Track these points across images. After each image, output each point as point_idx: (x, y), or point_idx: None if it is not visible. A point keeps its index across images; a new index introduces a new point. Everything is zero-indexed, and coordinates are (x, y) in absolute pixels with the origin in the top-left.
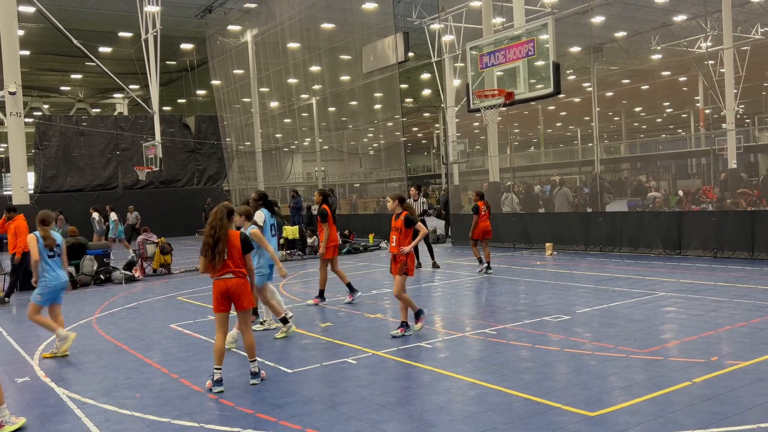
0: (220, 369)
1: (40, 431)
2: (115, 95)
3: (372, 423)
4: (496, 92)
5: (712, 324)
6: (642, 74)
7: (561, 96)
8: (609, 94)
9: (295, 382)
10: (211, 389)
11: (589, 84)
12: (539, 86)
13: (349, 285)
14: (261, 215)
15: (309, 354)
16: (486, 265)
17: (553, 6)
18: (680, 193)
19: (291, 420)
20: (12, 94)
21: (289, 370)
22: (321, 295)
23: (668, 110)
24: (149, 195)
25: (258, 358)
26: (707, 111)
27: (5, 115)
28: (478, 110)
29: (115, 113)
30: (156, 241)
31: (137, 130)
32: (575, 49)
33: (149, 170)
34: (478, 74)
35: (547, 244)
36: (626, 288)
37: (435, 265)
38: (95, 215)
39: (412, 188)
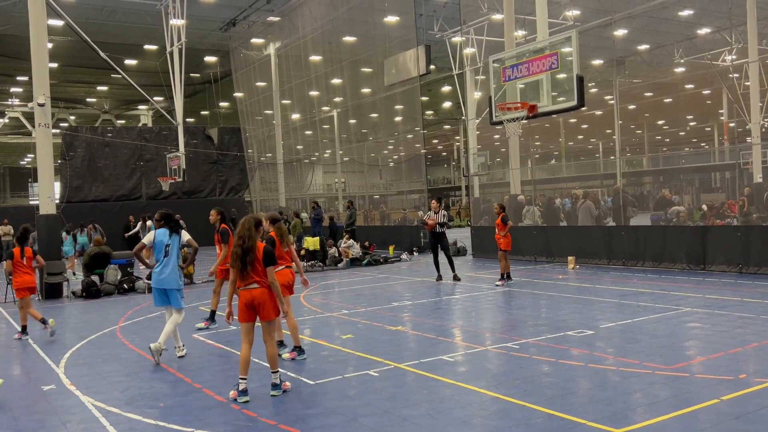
0: (245, 379)
1: None
2: (140, 107)
3: None
4: (519, 105)
5: (739, 341)
6: (665, 87)
7: (583, 109)
8: (631, 107)
9: (317, 394)
10: (235, 399)
11: (611, 97)
12: (562, 99)
13: (212, 312)
14: (151, 235)
15: (330, 366)
16: (506, 276)
17: (576, 19)
18: (704, 207)
19: None
20: (41, 105)
21: (311, 382)
22: (212, 317)
23: (691, 123)
24: (172, 205)
25: (280, 369)
26: (731, 124)
27: (34, 126)
28: (500, 123)
29: (140, 124)
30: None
31: (161, 141)
32: (597, 62)
33: (173, 181)
34: (500, 87)
35: (570, 258)
36: (650, 303)
37: (456, 278)
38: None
39: (433, 200)
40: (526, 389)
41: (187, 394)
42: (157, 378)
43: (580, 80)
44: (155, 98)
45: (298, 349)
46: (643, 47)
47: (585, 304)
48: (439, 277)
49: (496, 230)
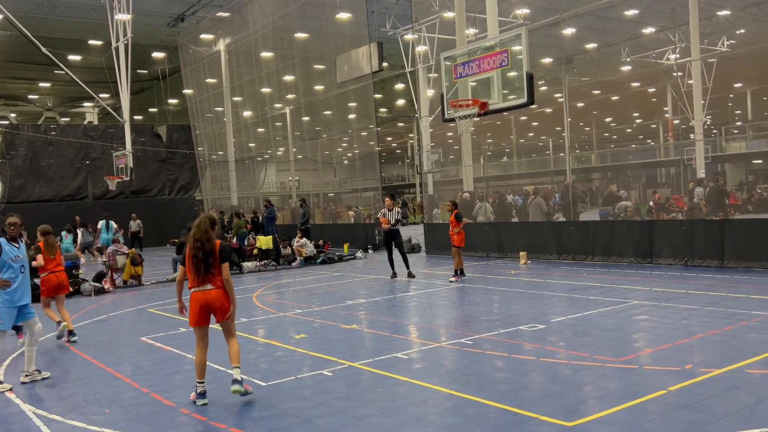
0: (202, 383)
1: None
2: (85, 104)
3: None
4: (470, 102)
5: (685, 332)
6: (612, 85)
7: (533, 106)
8: (580, 104)
9: (269, 395)
10: (194, 402)
11: (560, 95)
12: (513, 96)
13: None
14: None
15: (283, 366)
16: (460, 272)
17: (525, 17)
18: (651, 204)
19: None
20: None
21: (264, 383)
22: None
23: (638, 120)
24: (120, 205)
25: (230, 371)
26: (676, 121)
27: None
28: (452, 120)
29: (85, 122)
30: (126, 252)
31: (107, 140)
32: (547, 60)
33: (120, 180)
34: (452, 84)
35: (521, 253)
36: (600, 296)
37: (410, 275)
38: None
39: (387, 198)
40: (479, 385)
41: (134, 399)
42: (102, 383)
43: (530, 78)
44: (101, 95)
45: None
46: (590, 46)
47: (536, 298)
48: (394, 275)
49: (450, 227)
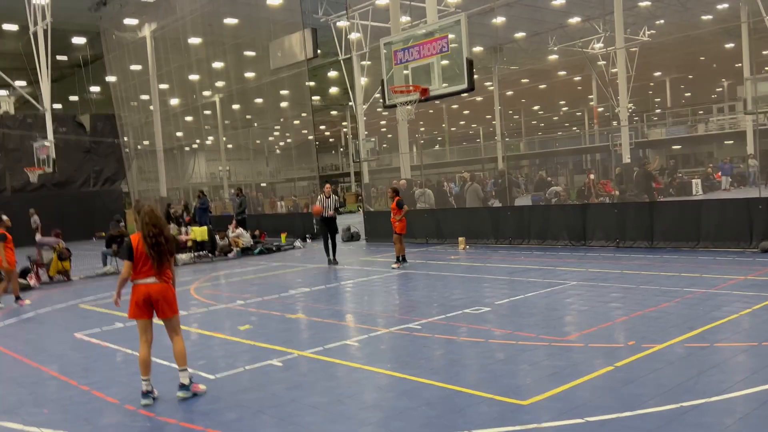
0: (147, 379)
1: None
2: (0, 92)
3: (305, 425)
4: (411, 88)
5: (624, 310)
6: (540, 74)
7: (464, 95)
8: (509, 93)
9: (219, 388)
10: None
11: (491, 83)
12: (451, 83)
13: None
14: None
15: (231, 358)
16: (402, 259)
17: (458, 6)
18: (585, 183)
19: (219, 427)
20: None
21: (212, 376)
22: None
23: (564, 108)
24: (42, 198)
25: (173, 365)
26: (600, 109)
27: None
28: (393, 106)
29: (1, 111)
30: (53, 246)
31: (26, 129)
32: (478, 48)
33: (41, 171)
34: (390, 70)
35: (460, 239)
36: (539, 279)
37: (334, 262)
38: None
39: (327, 185)
40: (432, 368)
41: (73, 397)
42: (37, 383)
43: (470, 63)
44: (18, 83)
45: None
46: (520, 35)
47: (478, 282)
48: (332, 261)
49: (391, 214)
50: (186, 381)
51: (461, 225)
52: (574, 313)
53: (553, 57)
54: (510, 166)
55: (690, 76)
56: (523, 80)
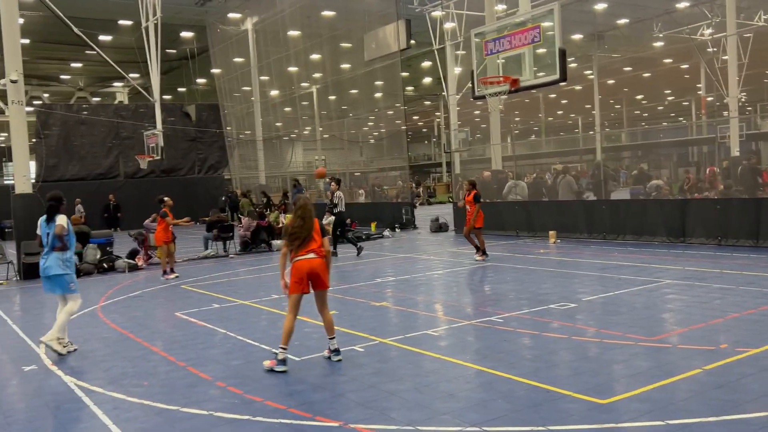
0: (285, 349)
1: (50, 420)
2: (116, 84)
3: (381, 410)
4: (501, 79)
5: (720, 312)
6: (644, 62)
7: (562, 84)
8: (610, 81)
9: (303, 370)
10: (272, 369)
11: (590, 72)
12: (544, 73)
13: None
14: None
15: (314, 342)
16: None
17: None
18: (689, 176)
19: (301, 408)
20: (14, 82)
21: (297, 358)
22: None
23: (670, 98)
24: (151, 184)
25: (264, 346)
26: (709, 99)
27: (6, 104)
28: (482, 97)
29: (116, 102)
30: None
31: (138, 119)
32: (577, 36)
33: (150, 159)
34: (482, 61)
35: (551, 232)
36: (631, 276)
37: (333, 254)
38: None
39: (333, 182)
40: (510, 362)
41: (171, 372)
42: (140, 357)
43: (563, 54)
44: (131, 75)
45: None
46: (622, 21)
47: (566, 277)
48: (359, 249)
49: (467, 207)
50: (336, 346)
51: (553, 218)
52: (666, 313)
53: (659, 44)
54: (609, 158)
55: None
56: (625, 68)
